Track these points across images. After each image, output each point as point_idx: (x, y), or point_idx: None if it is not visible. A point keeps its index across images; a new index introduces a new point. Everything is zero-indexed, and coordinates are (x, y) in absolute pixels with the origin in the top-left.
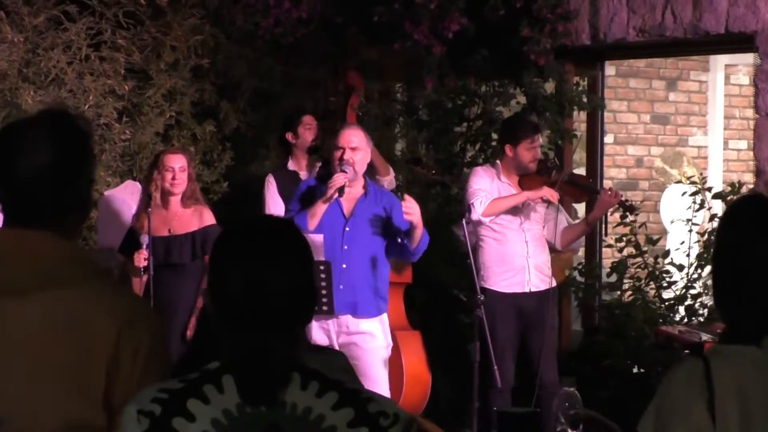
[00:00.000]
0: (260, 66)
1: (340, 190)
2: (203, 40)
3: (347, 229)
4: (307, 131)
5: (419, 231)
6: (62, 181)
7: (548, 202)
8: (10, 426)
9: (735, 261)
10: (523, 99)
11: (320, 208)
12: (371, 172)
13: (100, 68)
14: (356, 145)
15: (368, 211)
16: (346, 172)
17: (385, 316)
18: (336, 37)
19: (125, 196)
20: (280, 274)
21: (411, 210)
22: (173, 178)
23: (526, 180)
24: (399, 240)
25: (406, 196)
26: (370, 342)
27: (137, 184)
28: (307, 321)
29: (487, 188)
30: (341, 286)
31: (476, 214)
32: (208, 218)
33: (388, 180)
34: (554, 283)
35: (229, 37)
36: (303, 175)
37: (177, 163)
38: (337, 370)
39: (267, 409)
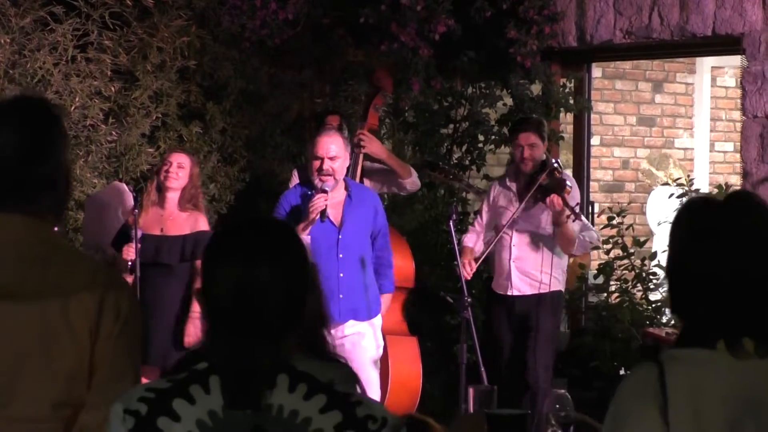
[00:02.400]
0: (246, 67)
1: (322, 215)
2: (189, 41)
3: (340, 237)
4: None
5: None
6: (29, 162)
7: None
8: None
9: (688, 264)
10: (509, 101)
11: (302, 232)
12: (392, 177)
13: (86, 69)
14: (335, 154)
15: (355, 214)
16: (326, 192)
17: (377, 319)
18: (322, 38)
19: (111, 198)
20: (269, 276)
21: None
22: (167, 171)
23: (526, 182)
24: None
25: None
26: (359, 343)
27: (123, 185)
28: (299, 323)
29: (484, 216)
30: (341, 295)
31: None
32: (203, 225)
33: (410, 181)
34: (550, 289)
35: (216, 39)
36: None
37: (176, 159)
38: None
39: (252, 411)
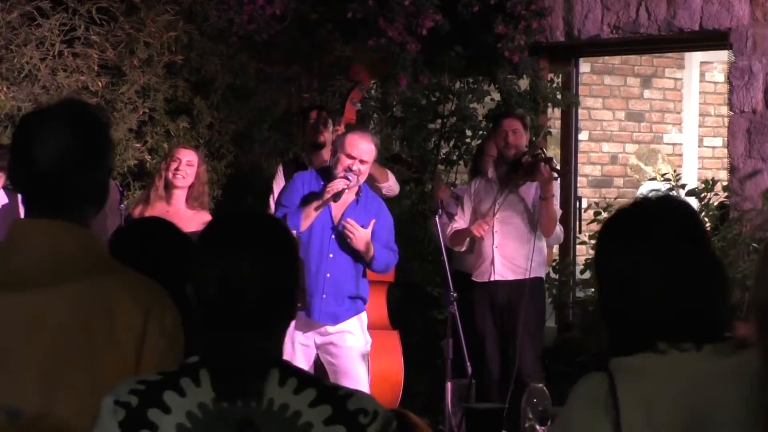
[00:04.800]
0: (234, 62)
1: (336, 196)
2: (177, 36)
3: (334, 237)
4: (309, 126)
5: (367, 254)
6: (84, 170)
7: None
8: (24, 416)
9: (621, 268)
10: (497, 96)
11: (313, 210)
12: (369, 179)
13: (73, 64)
14: (367, 159)
15: (356, 218)
16: (348, 180)
17: (363, 315)
18: (310, 33)
19: None
20: (256, 269)
21: (352, 233)
22: (177, 169)
23: (508, 169)
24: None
25: (348, 221)
26: (348, 340)
27: (110, 180)
28: (288, 318)
29: (466, 209)
30: (324, 296)
31: (446, 241)
32: None
33: (387, 186)
34: (532, 275)
35: (203, 34)
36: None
37: (185, 156)
38: None
39: (242, 404)
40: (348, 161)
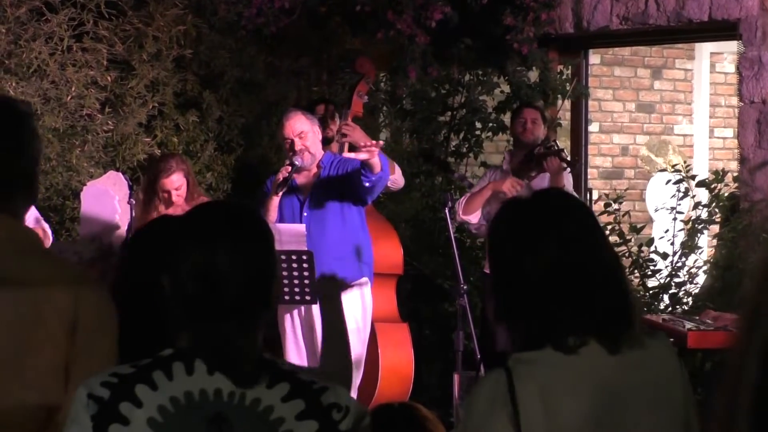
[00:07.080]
0: (243, 56)
1: (280, 185)
2: (186, 30)
3: (304, 213)
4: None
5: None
6: (3, 159)
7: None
8: None
9: (521, 267)
10: (506, 88)
11: (271, 203)
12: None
13: (82, 59)
14: (302, 130)
15: (324, 187)
16: (293, 165)
17: (364, 280)
18: (319, 26)
19: (108, 187)
20: (235, 260)
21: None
22: (168, 199)
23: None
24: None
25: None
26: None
27: (120, 174)
28: (268, 308)
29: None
30: None
31: (459, 216)
32: None
33: (392, 180)
34: None
35: (212, 27)
36: None
37: (173, 185)
38: None
39: (215, 398)
40: (287, 143)
